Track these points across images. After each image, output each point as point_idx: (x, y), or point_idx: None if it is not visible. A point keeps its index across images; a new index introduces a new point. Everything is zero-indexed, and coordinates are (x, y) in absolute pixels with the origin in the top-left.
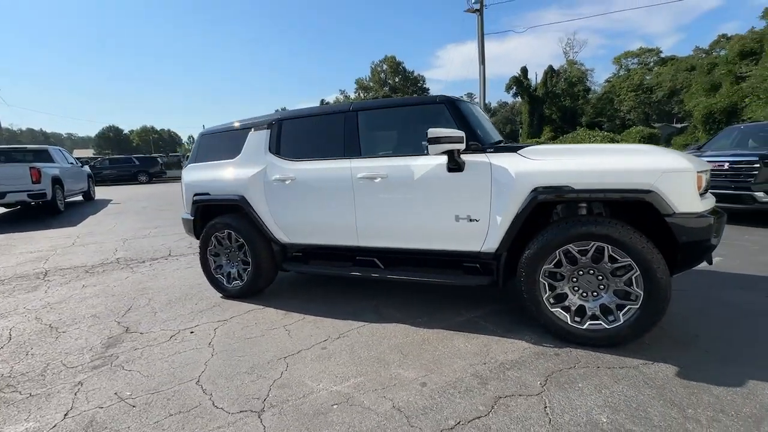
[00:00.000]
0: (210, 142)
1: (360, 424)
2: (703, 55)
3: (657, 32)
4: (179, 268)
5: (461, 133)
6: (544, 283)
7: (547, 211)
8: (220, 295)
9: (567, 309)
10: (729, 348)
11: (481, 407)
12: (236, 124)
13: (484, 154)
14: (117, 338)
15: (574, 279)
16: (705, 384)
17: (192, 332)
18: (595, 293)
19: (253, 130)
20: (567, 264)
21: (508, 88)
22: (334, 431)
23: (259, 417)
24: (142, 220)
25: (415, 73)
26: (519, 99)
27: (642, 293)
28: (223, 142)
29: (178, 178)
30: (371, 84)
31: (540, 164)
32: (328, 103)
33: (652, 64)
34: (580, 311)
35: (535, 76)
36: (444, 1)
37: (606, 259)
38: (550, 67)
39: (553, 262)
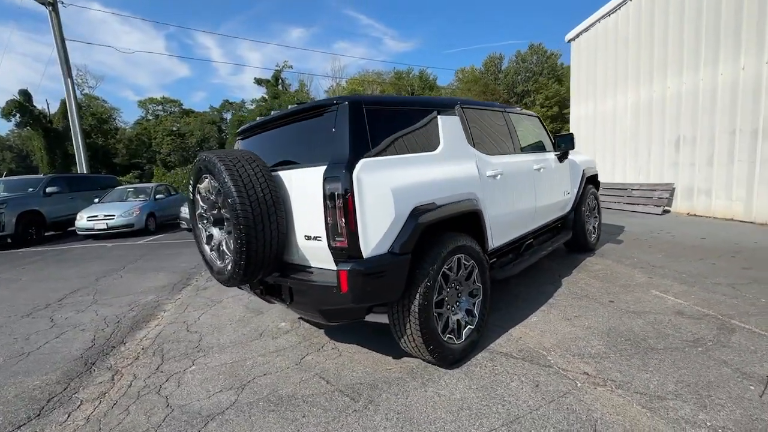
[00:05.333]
0: (383, 122)
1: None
2: (215, 113)
3: (145, 85)
4: None
5: None
6: (587, 219)
7: None
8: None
9: (591, 233)
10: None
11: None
12: (409, 99)
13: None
14: None
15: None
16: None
17: None
18: (587, 219)
19: (438, 113)
20: (589, 206)
21: (7, 114)
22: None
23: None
24: None
25: None
26: (26, 129)
27: (598, 215)
28: (402, 126)
29: None
30: None
31: (579, 160)
32: None
33: (178, 112)
34: (592, 233)
35: (47, 104)
36: None
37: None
38: None
39: (589, 209)
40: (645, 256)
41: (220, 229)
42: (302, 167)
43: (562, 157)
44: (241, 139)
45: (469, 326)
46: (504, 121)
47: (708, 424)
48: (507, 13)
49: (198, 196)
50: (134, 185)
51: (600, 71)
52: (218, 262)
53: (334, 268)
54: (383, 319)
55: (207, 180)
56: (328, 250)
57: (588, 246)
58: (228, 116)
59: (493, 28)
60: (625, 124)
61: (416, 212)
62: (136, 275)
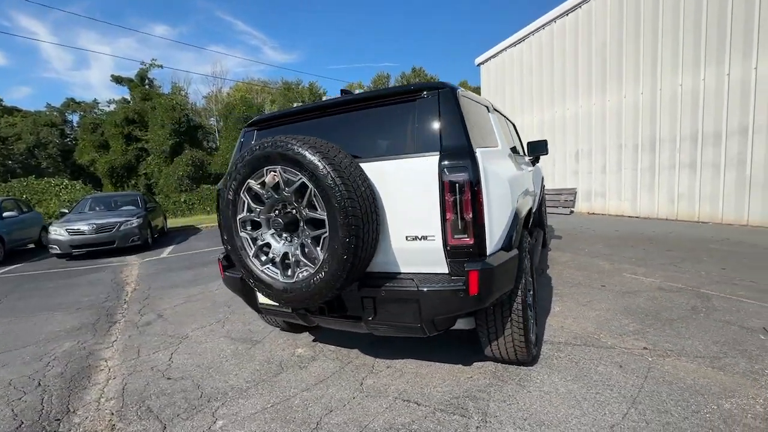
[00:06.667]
0: (470, 112)
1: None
2: (54, 114)
3: None
4: None
5: None
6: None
7: None
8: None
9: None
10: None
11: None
12: (479, 96)
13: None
14: None
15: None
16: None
17: None
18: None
19: (489, 110)
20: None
21: None
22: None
23: None
24: None
25: None
26: None
27: (545, 215)
28: (475, 119)
29: None
30: None
31: (540, 167)
32: None
33: None
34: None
35: None
36: None
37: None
38: None
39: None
40: (590, 247)
41: (280, 236)
42: (399, 158)
43: (534, 161)
44: (258, 130)
45: (531, 321)
46: (507, 124)
47: (767, 372)
48: (387, 36)
49: (245, 196)
50: None
51: (508, 92)
52: (281, 278)
53: (444, 270)
54: (468, 324)
55: (273, 173)
56: (441, 250)
57: (545, 242)
58: (74, 118)
59: (377, 48)
60: (532, 139)
61: (519, 205)
62: (18, 320)
